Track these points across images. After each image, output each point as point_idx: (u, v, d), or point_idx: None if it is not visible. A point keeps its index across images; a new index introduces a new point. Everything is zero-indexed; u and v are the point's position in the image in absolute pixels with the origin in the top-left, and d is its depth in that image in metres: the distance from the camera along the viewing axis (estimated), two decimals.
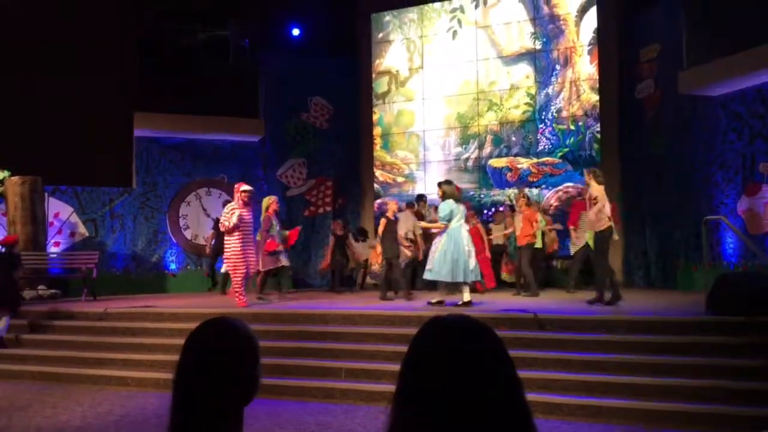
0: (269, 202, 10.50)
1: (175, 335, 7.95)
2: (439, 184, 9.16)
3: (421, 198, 12.26)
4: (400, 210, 11.15)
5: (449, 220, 8.57)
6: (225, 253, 9.34)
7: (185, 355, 1.55)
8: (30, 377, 8.09)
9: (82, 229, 12.96)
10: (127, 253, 13.18)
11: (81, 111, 12.89)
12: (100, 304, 10.05)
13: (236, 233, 9.03)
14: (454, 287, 8.80)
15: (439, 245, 8.63)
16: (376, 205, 14.39)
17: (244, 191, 9.23)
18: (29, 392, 7.40)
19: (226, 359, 1.53)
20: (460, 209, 8.76)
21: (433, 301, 8.88)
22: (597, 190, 8.36)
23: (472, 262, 8.59)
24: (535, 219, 10.36)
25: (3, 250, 9.43)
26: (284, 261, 10.53)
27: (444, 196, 8.76)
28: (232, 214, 9.02)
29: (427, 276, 8.98)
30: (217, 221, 11.99)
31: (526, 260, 10.13)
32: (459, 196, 9.09)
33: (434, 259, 8.62)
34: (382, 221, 10.35)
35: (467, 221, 9.26)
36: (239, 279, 9.15)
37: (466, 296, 8.61)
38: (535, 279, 10.16)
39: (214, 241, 12.48)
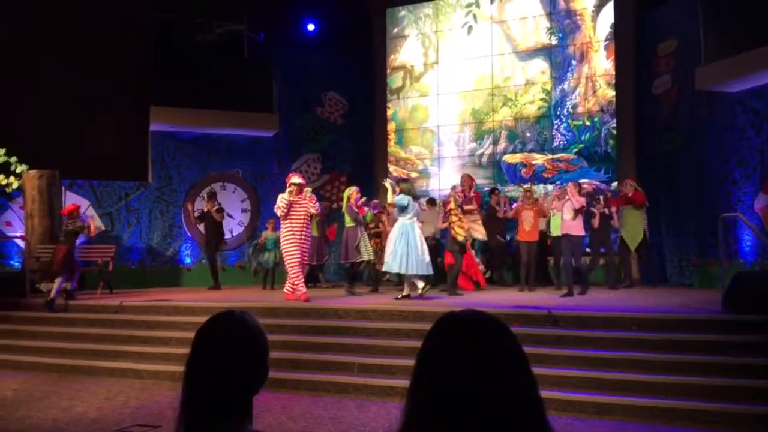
0: (350, 192, 10.34)
1: (191, 329, 7.97)
2: (398, 182, 9.99)
3: (493, 191, 12.17)
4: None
5: (403, 211, 9.20)
6: (281, 244, 9.36)
7: (195, 348, 1.60)
8: (47, 369, 8.19)
9: (98, 223, 13.06)
10: (142, 246, 13.28)
11: (98, 106, 13.00)
12: (116, 298, 10.15)
13: (287, 223, 9.07)
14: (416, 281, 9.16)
15: (392, 238, 9.19)
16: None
17: (293, 184, 9.19)
18: (46, 384, 7.49)
19: (235, 351, 1.57)
20: (414, 206, 9.37)
21: (399, 296, 9.26)
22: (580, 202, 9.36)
23: (425, 257, 9.10)
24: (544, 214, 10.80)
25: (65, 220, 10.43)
26: (366, 254, 10.27)
27: (401, 193, 9.39)
28: (281, 201, 9.08)
29: (383, 268, 9.63)
30: (202, 214, 12.11)
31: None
32: (415, 194, 9.70)
33: (387, 252, 9.21)
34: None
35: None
36: (295, 270, 9.11)
37: (419, 287, 9.05)
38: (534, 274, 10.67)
39: (204, 233, 12.24)
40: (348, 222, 10.20)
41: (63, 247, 9.94)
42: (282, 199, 9.12)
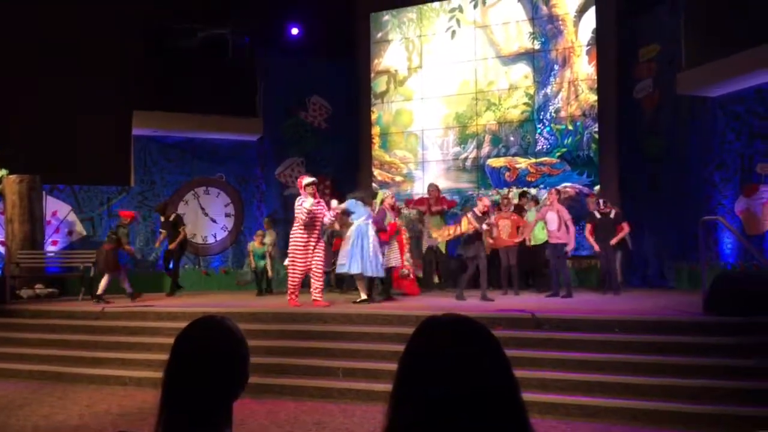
0: (384, 195, 10.28)
1: (173, 335, 7.81)
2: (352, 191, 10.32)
3: (524, 195, 12.14)
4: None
5: (349, 215, 9.57)
6: (289, 248, 9.18)
7: (173, 354, 1.59)
8: (28, 376, 8.08)
9: (79, 228, 12.94)
10: (124, 252, 13.15)
11: (79, 109, 12.86)
12: (97, 303, 10.05)
13: (301, 229, 8.95)
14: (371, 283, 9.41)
15: (349, 240, 9.38)
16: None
17: (308, 184, 9.00)
18: (27, 391, 7.39)
19: (213, 356, 1.56)
20: (365, 210, 9.58)
21: (358, 300, 9.38)
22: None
23: (378, 259, 9.34)
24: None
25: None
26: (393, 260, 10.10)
27: (351, 199, 9.77)
28: (302, 205, 8.89)
29: (338, 270, 9.80)
30: (168, 220, 11.70)
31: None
32: (369, 202, 9.97)
33: (343, 254, 9.39)
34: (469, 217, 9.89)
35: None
36: (296, 276, 9.02)
37: (361, 296, 9.37)
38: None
39: (165, 240, 11.83)
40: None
41: (108, 247, 10.67)
42: (303, 212, 8.90)
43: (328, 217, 9.22)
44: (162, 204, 12.26)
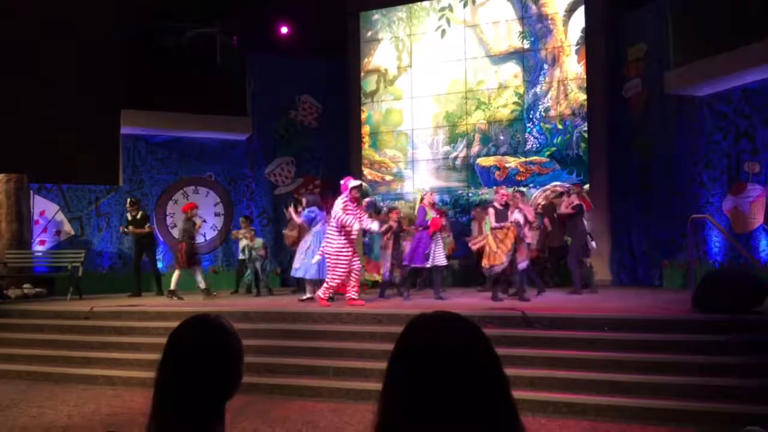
0: (424, 194, 10.16)
1: (162, 334, 7.89)
2: (304, 195, 11.01)
3: (566, 194, 11.89)
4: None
5: (310, 223, 10.17)
6: (326, 249, 9.00)
7: (167, 353, 1.57)
8: (16, 376, 8.03)
9: (67, 228, 12.87)
10: (113, 251, 13.10)
11: (67, 108, 12.80)
12: (86, 303, 9.99)
13: (342, 232, 8.83)
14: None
15: (306, 246, 10.09)
16: (364, 203, 14.36)
17: (354, 188, 8.90)
18: (15, 391, 7.34)
19: (208, 355, 1.55)
20: (321, 215, 10.18)
21: (303, 298, 9.94)
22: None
23: (317, 262, 9.76)
24: None
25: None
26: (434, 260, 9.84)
27: (308, 204, 10.44)
28: (344, 209, 8.77)
29: (295, 274, 10.43)
30: (136, 218, 11.49)
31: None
32: (321, 205, 10.52)
33: (301, 259, 10.11)
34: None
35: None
36: (336, 278, 8.87)
37: (306, 294, 9.97)
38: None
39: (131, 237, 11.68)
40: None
41: (182, 245, 10.95)
42: (346, 220, 8.77)
43: (359, 225, 9.01)
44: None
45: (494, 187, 11.25)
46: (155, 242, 12.30)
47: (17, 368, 8.15)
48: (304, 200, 10.80)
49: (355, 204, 8.97)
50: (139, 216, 11.60)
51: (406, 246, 10.17)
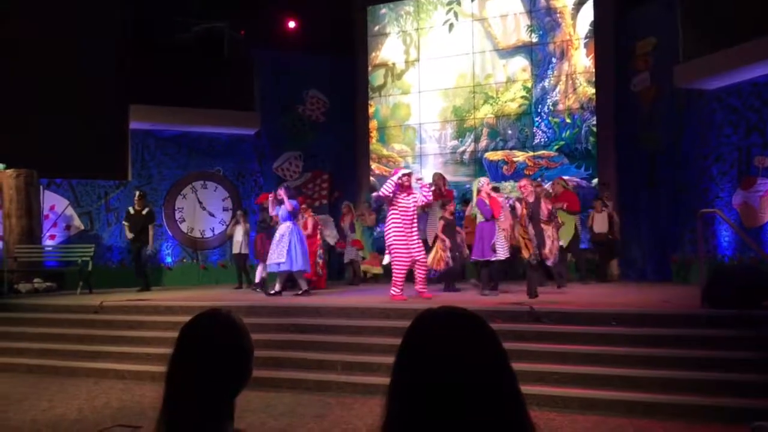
0: (480, 185, 9.65)
1: (172, 328, 7.93)
2: (283, 188, 10.55)
3: (603, 192, 11.91)
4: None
5: (294, 215, 10.23)
6: (387, 242, 8.79)
7: (178, 347, 1.57)
8: (26, 370, 8.09)
9: (77, 222, 12.93)
10: (122, 246, 13.15)
11: (77, 104, 12.84)
12: (96, 297, 10.04)
13: (394, 215, 8.63)
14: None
15: (288, 240, 10.02)
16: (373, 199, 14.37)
17: (404, 175, 8.72)
18: (25, 385, 7.40)
19: (218, 350, 1.55)
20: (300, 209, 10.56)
21: (272, 291, 10.10)
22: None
23: (279, 258, 9.98)
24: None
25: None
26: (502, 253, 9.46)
27: (291, 197, 10.34)
28: (389, 185, 8.64)
29: (278, 269, 10.20)
30: (141, 213, 11.46)
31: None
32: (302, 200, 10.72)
33: (285, 252, 9.99)
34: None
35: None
36: (400, 269, 8.69)
37: (305, 284, 10.03)
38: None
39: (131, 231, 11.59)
40: (480, 217, 9.39)
41: (260, 236, 11.23)
42: (389, 183, 8.63)
43: (421, 199, 8.89)
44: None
45: (516, 184, 10.96)
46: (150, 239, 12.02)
47: (27, 362, 8.21)
48: (282, 192, 10.21)
49: (407, 193, 8.72)
50: (144, 212, 11.63)
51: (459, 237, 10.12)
